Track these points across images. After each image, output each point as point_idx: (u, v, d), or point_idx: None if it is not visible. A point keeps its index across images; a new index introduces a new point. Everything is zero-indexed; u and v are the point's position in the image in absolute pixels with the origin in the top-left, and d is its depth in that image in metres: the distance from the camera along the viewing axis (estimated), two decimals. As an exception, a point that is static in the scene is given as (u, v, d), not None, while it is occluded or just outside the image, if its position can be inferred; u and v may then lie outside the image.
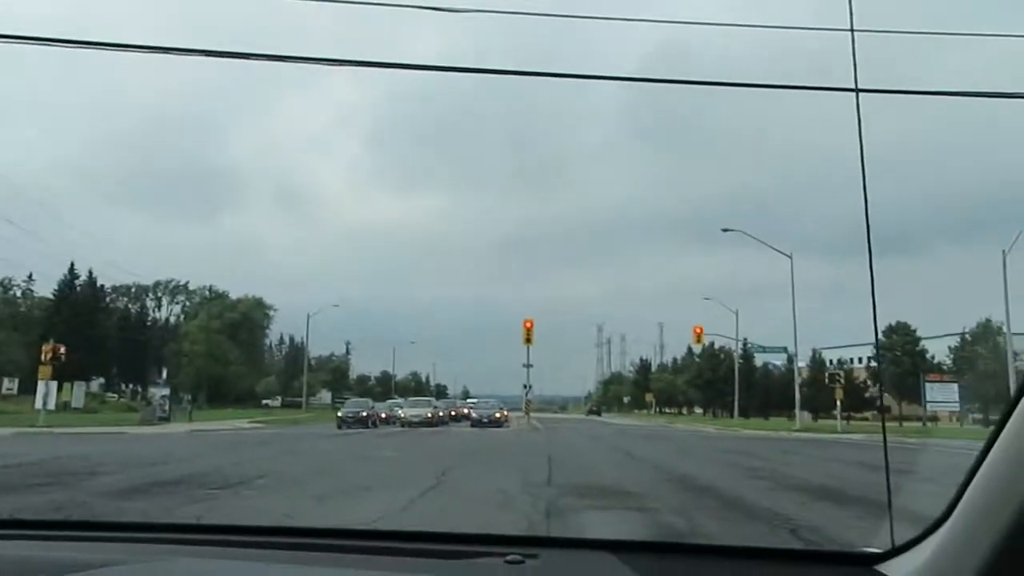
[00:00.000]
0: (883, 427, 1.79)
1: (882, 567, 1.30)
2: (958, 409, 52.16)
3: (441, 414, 47.59)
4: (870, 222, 1.60)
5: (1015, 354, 44.88)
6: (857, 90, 2.23)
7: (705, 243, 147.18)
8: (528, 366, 47.33)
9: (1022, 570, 0.99)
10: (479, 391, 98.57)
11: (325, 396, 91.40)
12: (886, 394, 66.75)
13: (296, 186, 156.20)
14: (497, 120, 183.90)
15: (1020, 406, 0.95)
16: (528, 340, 43.67)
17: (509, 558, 1.42)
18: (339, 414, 43.15)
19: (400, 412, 45.18)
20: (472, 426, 42.49)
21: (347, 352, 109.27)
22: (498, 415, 44.08)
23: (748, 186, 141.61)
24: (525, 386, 51.05)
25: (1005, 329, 45.11)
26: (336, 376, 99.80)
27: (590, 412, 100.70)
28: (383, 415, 45.45)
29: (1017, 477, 0.94)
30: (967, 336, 59.37)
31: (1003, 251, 38.72)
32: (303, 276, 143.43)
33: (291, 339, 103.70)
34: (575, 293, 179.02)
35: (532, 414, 50.12)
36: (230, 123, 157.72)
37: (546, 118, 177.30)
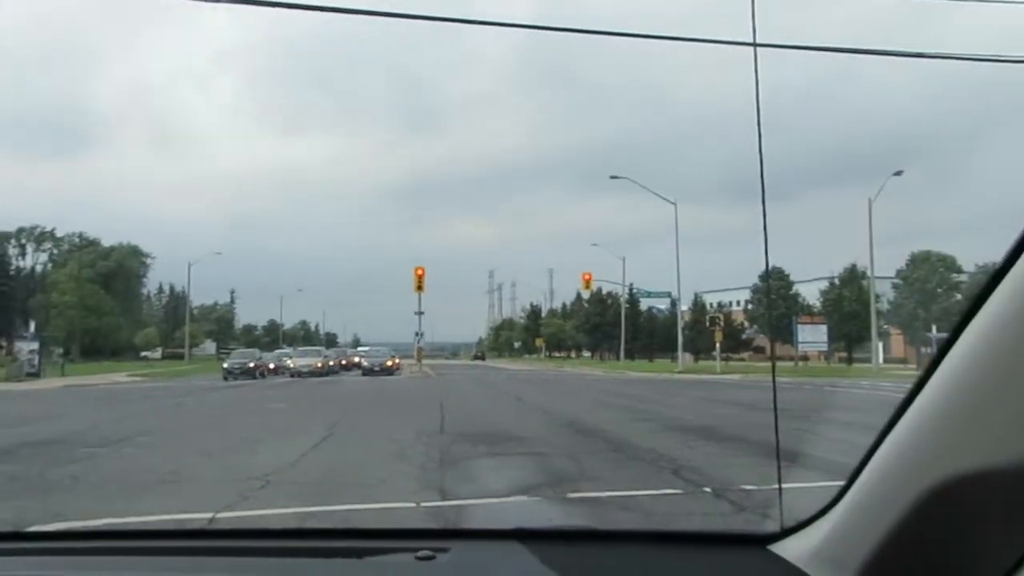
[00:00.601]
0: (774, 395, 1.87)
1: (775, 547, 1.32)
2: (826, 349, 55.58)
3: (332, 363, 46.76)
4: (761, 170, 1.64)
5: (876, 296, 48.06)
6: (755, 44, 2.26)
7: (594, 190, 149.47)
8: (420, 313, 47.15)
9: (917, 554, 0.99)
10: (370, 339, 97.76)
11: (209, 347, 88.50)
12: (760, 335, 70.41)
13: (173, 128, 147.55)
14: (385, 64, 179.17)
15: (935, 376, 0.91)
16: (419, 288, 43.48)
17: (420, 554, 1.42)
18: (225, 365, 41.64)
19: (289, 362, 43.98)
20: (363, 375, 42.11)
21: (232, 301, 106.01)
22: (389, 363, 43.74)
23: (636, 134, 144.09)
24: (417, 334, 50.93)
25: (869, 273, 48.17)
26: (221, 326, 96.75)
27: (475, 358, 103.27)
28: (271, 366, 44.24)
29: (925, 455, 0.93)
30: (835, 280, 63.01)
31: (869, 199, 41.09)
32: (183, 223, 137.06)
33: (171, 288, 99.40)
34: (466, 240, 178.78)
35: (424, 361, 50.17)
36: (100, 58, 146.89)
37: (435, 63, 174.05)
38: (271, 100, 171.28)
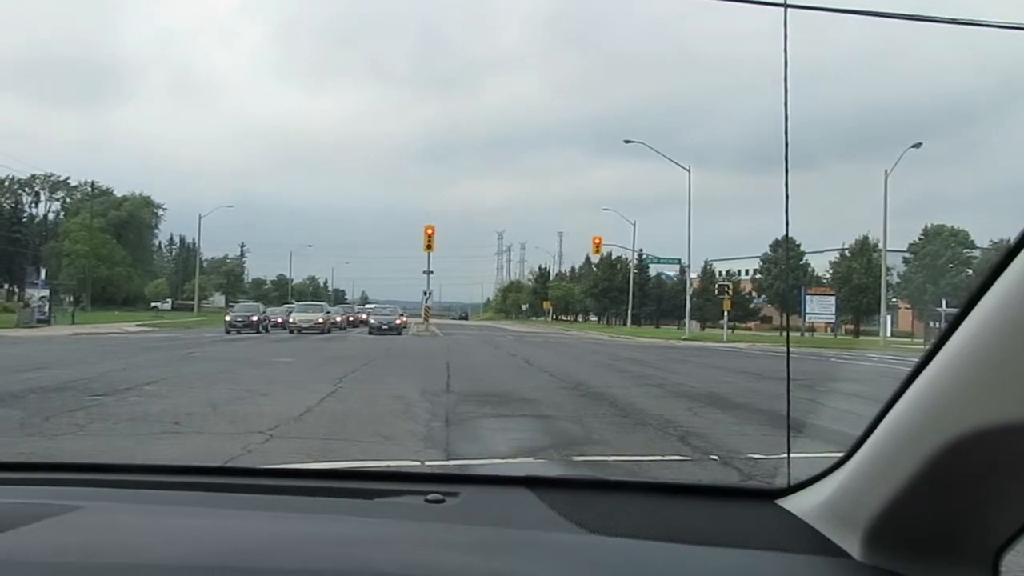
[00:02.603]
0: (787, 370, 1.90)
1: (782, 502, 1.34)
2: (834, 320, 55.44)
3: (338, 319, 46.38)
4: (785, 137, 1.56)
5: (888, 269, 47.77)
6: (786, 5, 2.17)
7: (608, 155, 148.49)
8: (428, 272, 47.26)
9: (924, 510, 1.00)
10: (379, 297, 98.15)
11: (218, 300, 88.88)
12: (768, 305, 70.25)
13: (189, 77, 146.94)
14: (408, 20, 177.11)
15: (954, 337, 0.90)
16: (429, 247, 43.45)
17: (430, 497, 1.43)
18: (227, 318, 40.96)
19: (289, 317, 42.67)
20: (370, 332, 42.10)
21: (241, 255, 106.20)
22: (397, 321, 43.48)
23: (654, 100, 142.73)
24: (425, 292, 51.08)
25: (881, 245, 47.80)
26: (230, 279, 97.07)
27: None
28: (279, 320, 44.23)
29: (936, 416, 0.93)
30: (846, 252, 62.61)
31: (885, 171, 40.62)
32: (196, 174, 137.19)
33: (182, 240, 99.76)
34: (477, 200, 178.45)
35: (431, 321, 50.29)
36: (110, 6, 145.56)
37: (460, 22, 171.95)
38: (293, 54, 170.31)
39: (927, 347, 1.00)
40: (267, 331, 40.46)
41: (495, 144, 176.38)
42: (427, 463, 6.95)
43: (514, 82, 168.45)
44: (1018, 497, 0.96)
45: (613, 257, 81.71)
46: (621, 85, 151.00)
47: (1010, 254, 0.84)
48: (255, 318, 40.58)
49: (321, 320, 40.71)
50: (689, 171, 47.05)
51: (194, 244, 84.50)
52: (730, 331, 48.86)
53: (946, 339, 0.92)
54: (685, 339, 43.73)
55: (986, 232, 57.74)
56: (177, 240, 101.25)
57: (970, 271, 54.06)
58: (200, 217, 69.72)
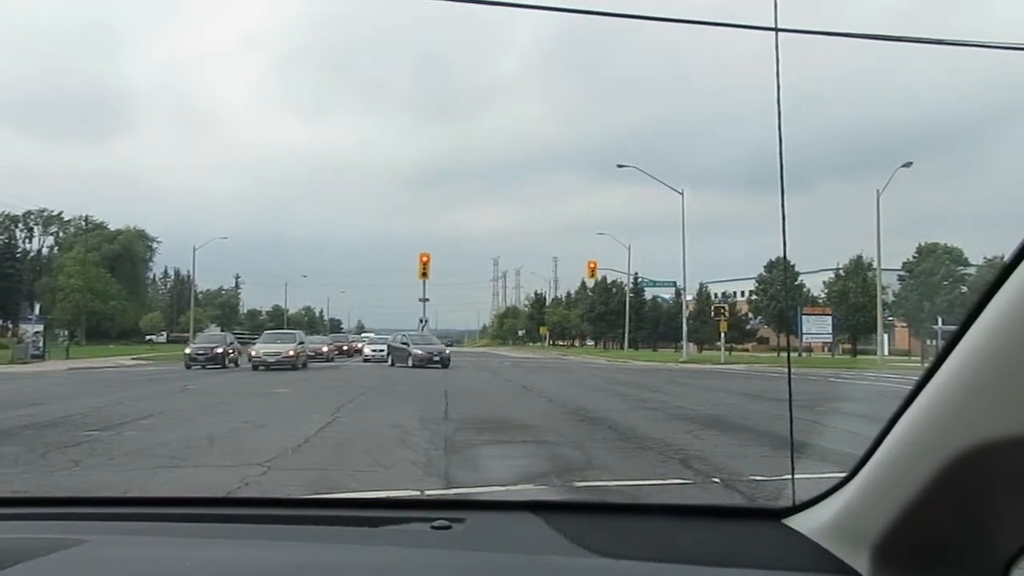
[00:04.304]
0: (789, 391, 1.90)
1: (789, 521, 1.34)
2: (831, 340, 55.40)
3: (325, 349, 43.62)
4: (780, 159, 1.57)
5: (883, 287, 47.87)
6: (777, 29, 2.17)
7: (603, 179, 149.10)
8: (424, 300, 47.25)
9: (931, 526, 1.01)
10: (375, 326, 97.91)
11: (214, 332, 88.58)
12: (764, 325, 70.24)
13: (189, 109, 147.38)
14: (408, 48, 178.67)
15: (954, 353, 0.91)
16: (424, 274, 43.47)
17: (435, 523, 1.42)
18: (186, 351, 34.93)
19: (251, 350, 34.24)
20: (364, 361, 41.75)
21: (236, 286, 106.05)
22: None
23: (648, 124, 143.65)
24: (421, 320, 51.01)
25: (876, 264, 47.94)
26: (225, 311, 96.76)
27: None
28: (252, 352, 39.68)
29: (940, 431, 0.93)
30: (841, 271, 62.76)
31: (877, 190, 40.86)
32: (190, 207, 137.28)
33: (176, 272, 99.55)
34: (473, 227, 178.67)
35: (428, 348, 50.04)
36: (113, 39, 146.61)
37: (456, 49, 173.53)
38: (293, 84, 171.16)
39: (926, 365, 1.01)
40: (236, 365, 34.98)
41: (491, 170, 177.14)
42: (427, 492, 6.88)
43: (512, 108, 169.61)
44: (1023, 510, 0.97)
45: (608, 281, 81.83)
46: (619, 110, 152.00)
47: (1007, 270, 0.85)
48: (219, 350, 34.32)
49: (292, 353, 32.59)
50: (683, 194, 47.27)
51: (189, 276, 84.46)
52: (727, 352, 48.84)
53: (945, 356, 0.93)
54: (683, 362, 43.66)
55: (980, 249, 57.94)
56: (172, 272, 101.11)
57: (965, 288, 54.14)
58: (194, 249, 69.71)
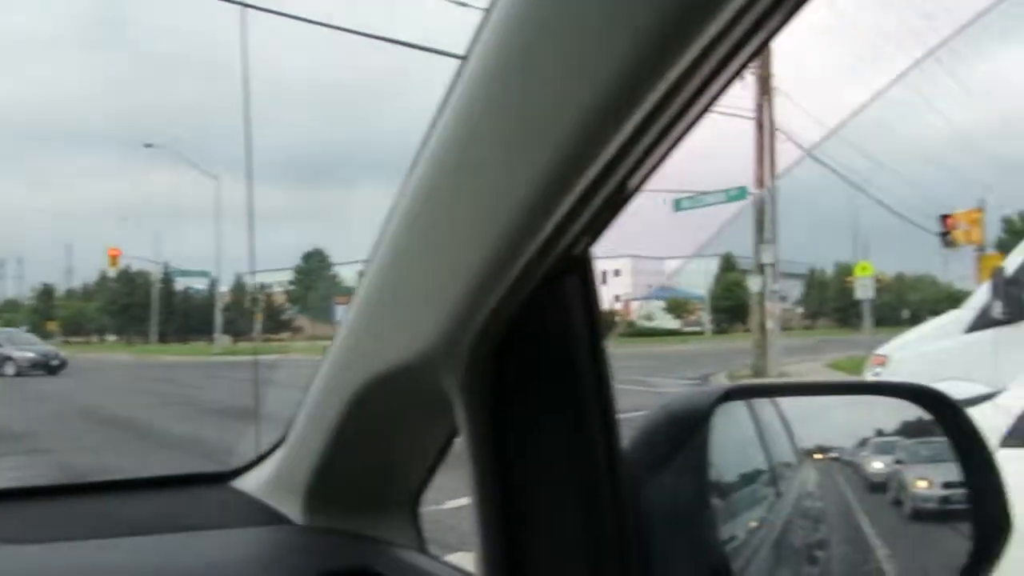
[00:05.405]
0: (256, 373, 2.00)
1: (236, 483, 1.41)
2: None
3: None
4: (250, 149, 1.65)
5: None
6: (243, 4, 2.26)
7: (127, 159, 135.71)
8: None
9: (347, 468, 1.15)
10: None
11: None
12: (301, 315, 71.51)
13: None
14: None
15: (349, 305, 1.05)
16: None
17: None
18: None
19: None
20: None
21: None
22: None
23: (182, 104, 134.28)
24: None
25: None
26: None
27: None
28: None
29: (337, 381, 1.06)
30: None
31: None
32: None
33: None
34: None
35: None
36: None
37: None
38: None
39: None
40: None
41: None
42: None
43: (20, 70, 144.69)
44: (419, 440, 1.10)
45: (134, 270, 75.49)
46: (145, 85, 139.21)
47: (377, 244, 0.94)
48: None
49: None
50: (218, 180, 45.60)
51: None
52: (264, 343, 48.57)
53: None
54: (216, 354, 42.24)
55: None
56: None
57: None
58: None
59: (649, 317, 66.48)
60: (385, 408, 1.02)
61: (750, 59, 0.58)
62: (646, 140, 0.63)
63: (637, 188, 0.70)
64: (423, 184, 0.79)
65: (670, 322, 66.96)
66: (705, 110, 0.63)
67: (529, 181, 0.65)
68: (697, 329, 63.42)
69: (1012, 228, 38.02)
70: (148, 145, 45.81)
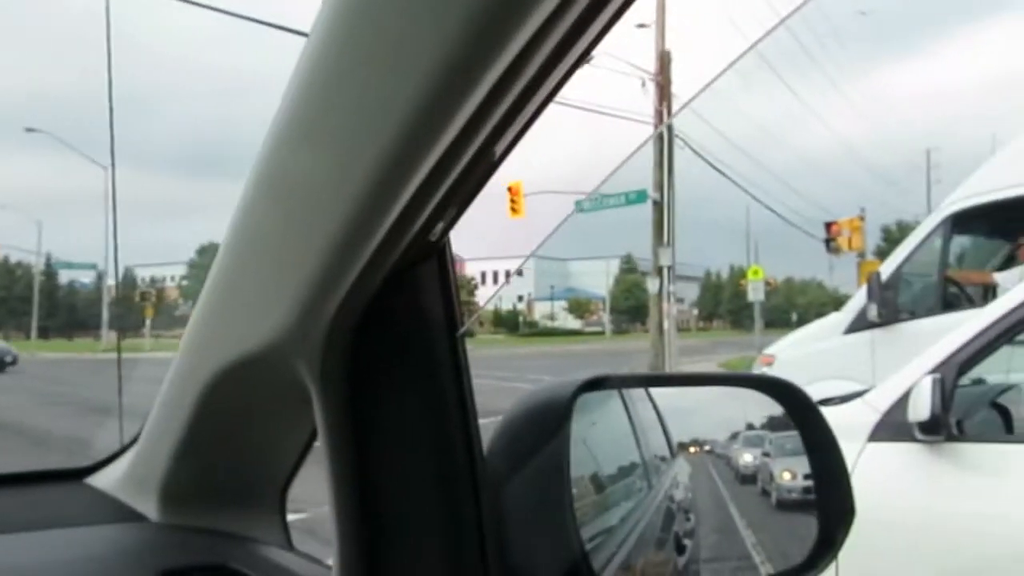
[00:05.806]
0: (119, 368, 1.93)
1: (91, 479, 1.37)
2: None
3: None
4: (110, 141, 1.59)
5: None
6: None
7: (4, 143, 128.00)
8: None
9: (204, 463, 1.11)
10: None
11: None
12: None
13: None
14: None
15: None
16: None
17: None
18: None
19: None
20: None
21: None
22: None
23: (68, 85, 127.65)
24: None
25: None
26: None
27: None
28: None
29: (191, 373, 1.02)
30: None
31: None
32: None
33: None
34: None
35: None
36: None
37: None
38: None
39: None
40: None
41: None
42: None
43: None
44: (279, 433, 1.06)
45: (13, 262, 71.52)
46: (25, 64, 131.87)
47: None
48: None
49: None
50: (108, 169, 43.57)
51: None
52: (155, 339, 46.65)
53: None
54: (102, 351, 40.37)
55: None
56: None
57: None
58: None
59: (551, 317, 67.34)
60: (240, 400, 0.99)
61: (610, 22, 0.55)
62: (492, 120, 0.60)
63: (488, 173, 0.69)
64: (269, 165, 0.76)
65: (572, 322, 68.01)
66: (560, 84, 0.61)
67: (373, 160, 0.63)
68: (598, 329, 64.56)
69: (890, 237, 40.29)
70: (30, 130, 43.41)
